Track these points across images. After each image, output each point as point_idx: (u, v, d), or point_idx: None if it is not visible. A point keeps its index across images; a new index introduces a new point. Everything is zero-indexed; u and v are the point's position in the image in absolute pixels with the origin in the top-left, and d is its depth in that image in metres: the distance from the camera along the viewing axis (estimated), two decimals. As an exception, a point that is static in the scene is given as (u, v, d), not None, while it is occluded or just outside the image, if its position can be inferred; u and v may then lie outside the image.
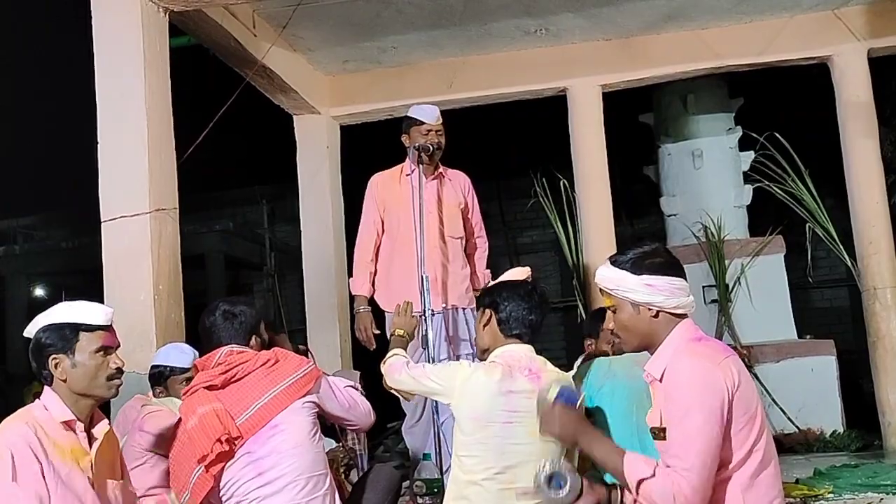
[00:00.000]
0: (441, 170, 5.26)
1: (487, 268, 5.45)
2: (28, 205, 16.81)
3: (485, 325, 3.57)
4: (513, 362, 3.44)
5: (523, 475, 3.32)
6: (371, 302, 5.29)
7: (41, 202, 16.89)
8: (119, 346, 3.06)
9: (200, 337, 3.58)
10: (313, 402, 3.43)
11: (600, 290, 2.92)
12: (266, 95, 7.24)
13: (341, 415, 3.61)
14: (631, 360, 3.83)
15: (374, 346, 5.06)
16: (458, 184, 5.35)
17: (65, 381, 2.93)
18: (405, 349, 3.89)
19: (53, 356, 2.93)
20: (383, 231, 5.26)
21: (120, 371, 3.02)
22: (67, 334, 2.94)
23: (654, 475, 2.62)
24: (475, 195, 5.49)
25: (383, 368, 3.75)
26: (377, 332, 5.11)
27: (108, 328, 3.01)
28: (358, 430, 4.62)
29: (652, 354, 2.83)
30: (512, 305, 3.52)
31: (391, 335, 4.06)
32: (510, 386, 3.37)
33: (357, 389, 3.73)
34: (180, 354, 4.22)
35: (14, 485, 2.74)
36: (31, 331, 3.00)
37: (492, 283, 3.82)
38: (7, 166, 14.33)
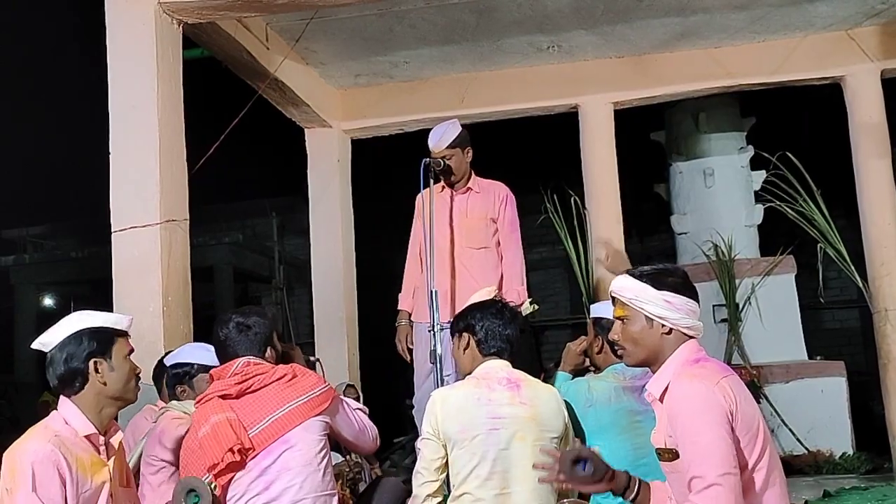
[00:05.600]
0: (470, 183, 5.23)
1: (521, 284, 5.18)
2: (38, 214, 16.83)
3: (464, 349, 3.68)
4: (490, 374, 3.55)
5: (515, 480, 3.36)
6: None
7: (51, 212, 16.91)
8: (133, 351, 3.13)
9: (215, 349, 3.58)
10: (326, 422, 3.42)
11: (613, 299, 2.91)
12: (278, 108, 7.26)
13: (351, 439, 3.61)
14: (607, 380, 3.80)
15: (410, 360, 5.17)
16: (490, 195, 5.24)
17: (105, 384, 2.94)
18: None
19: (95, 359, 2.94)
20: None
21: (139, 376, 3.08)
22: (106, 338, 2.97)
23: None
24: (511, 207, 5.32)
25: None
26: (411, 346, 5.16)
27: (128, 335, 3.08)
28: (360, 452, 4.61)
29: (653, 372, 2.82)
30: (487, 324, 3.64)
31: None
32: (488, 395, 3.48)
33: (364, 412, 3.72)
34: (206, 353, 4.08)
35: (34, 495, 2.74)
36: (50, 340, 2.95)
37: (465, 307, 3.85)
38: (17, 176, 14.37)
